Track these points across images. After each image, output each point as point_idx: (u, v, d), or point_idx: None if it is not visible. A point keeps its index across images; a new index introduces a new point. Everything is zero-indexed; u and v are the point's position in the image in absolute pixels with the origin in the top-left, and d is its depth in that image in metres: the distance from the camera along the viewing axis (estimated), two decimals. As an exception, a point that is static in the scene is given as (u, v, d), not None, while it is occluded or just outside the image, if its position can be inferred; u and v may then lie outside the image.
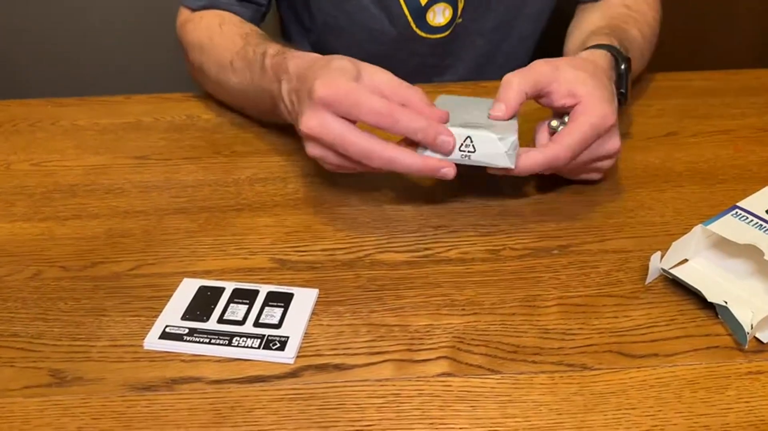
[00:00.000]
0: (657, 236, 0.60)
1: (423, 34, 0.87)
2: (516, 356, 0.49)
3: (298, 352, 0.49)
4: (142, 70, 1.42)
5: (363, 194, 0.65)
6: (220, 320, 0.51)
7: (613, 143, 0.61)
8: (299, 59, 0.62)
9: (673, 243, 0.53)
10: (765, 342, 0.49)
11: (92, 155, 0.72)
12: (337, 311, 0.52)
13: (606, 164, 0.63)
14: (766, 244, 0.50)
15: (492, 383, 0.47)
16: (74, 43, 1.45)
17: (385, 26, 0.86)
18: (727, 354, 0.49)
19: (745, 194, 0.58)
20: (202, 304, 0.52)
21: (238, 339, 0.49)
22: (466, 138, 0.56)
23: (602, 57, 0.66)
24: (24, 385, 0.47)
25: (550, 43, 0.90)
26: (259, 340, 0.49)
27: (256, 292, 0.53)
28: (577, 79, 0.60)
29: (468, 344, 0.49)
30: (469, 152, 0.56)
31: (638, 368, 0.48)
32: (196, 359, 0.49)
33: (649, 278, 0.54)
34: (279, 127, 0.76)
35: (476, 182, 0.60)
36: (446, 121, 0.57)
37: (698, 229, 0.54)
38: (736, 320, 0.49)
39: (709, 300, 0.51)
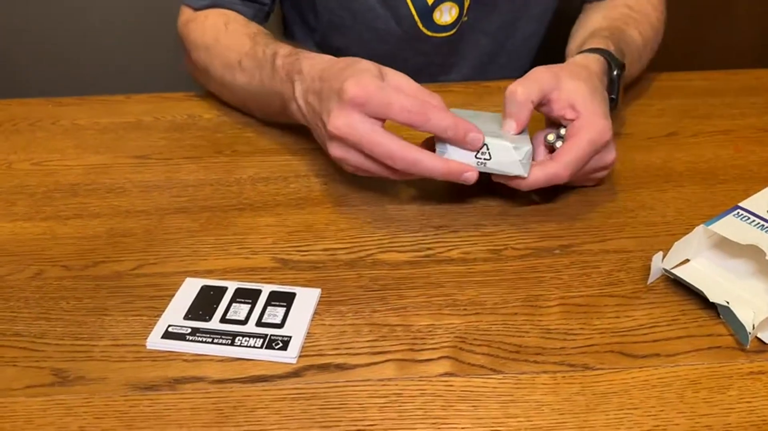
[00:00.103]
0: (658, 236, 0.60)
1: (429, 33, 0.87)
2: (518, 356, 0.49)
3: (301, 352, 0.49)
4: (143, 70, 1.42)
5: (365, 193, 0.65)
6: (223, 320, 0.51)
7: (610, 156, 0.62)
8: (314, 60, 0.63)
9: (675, 243, 0.53)
10: (767, 342, 0.49)
11: (93, 154, 0.72)
12: (339, 311, 0.52)
13: (601, 174, 0.64)
14: (767, 244, 0.51)
15: (494, 383, 0.47)
16: (74, 42, 1.45)
17: (391, 25, 0.86)
18: (728, 354, 0.49)
19: (746, 194, 0.59)
20: (205, 304, 0.52)
21: (240, 338, 0.49)
22: (483, 146, 0.57)
23: (595, 62, 0.67)
24: (27, 385, 0.47)
25: (553, 42, 0.90)
26: (261, 340, 0.49)
27: (258, 292, 0.53)
28: (576, 90, 0.60)
29: (470, 344, 0.49)
30: (485, 159, 0.57)
31: (640, 368, 0.48)
32: (198, 358, 0.49)
33: (651, 279, 0.55)
34: (281, 126, 0.76)
35: (478, 182, 0.60)
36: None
37: (700, 229, 0.54)
38: (738, 320, 0.49)
39: (710, 300, 0.51)
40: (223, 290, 0.54)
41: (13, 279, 0.56)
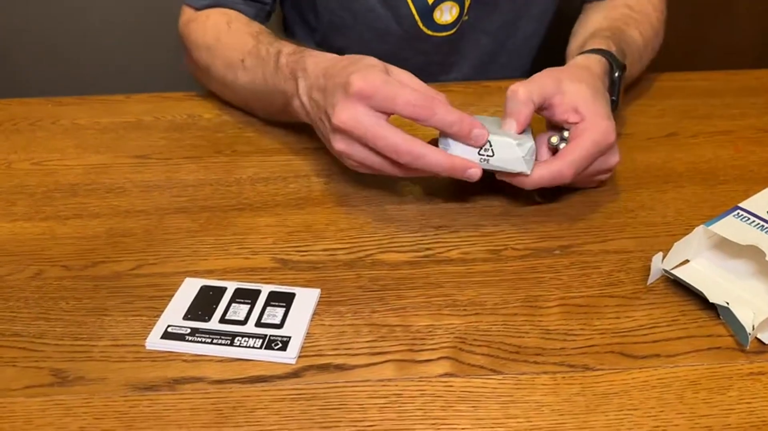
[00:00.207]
0: (658, 237, 0.60)
1: (429, 33, 0.87)
2: (518, 356, 0.49)
3: (300, 352, 0.49)
4: (143, 70, 1.42)
5: (365, 194, 0.65)
6: (222, 320, 0.51)
7: (614, 158, 0.62)
8: (318, 58, 0.63)
9: (675, 244, 0.53)
10: (766, 342, 0.49)
11: (93, 154, 0.72)
12: (338, 312, 0.52)
13: (604, 176, 0.64)
14: (767, 245, 0.50)
15: (494, 383, 0.47)
16: (74, 42, 1.45)
17: (392, 25, 0.86)
18: (728, 355, 0.49)
19: (746, 194, 0.59)
20: (204, 304, 0.52)
21: (240, 339, 0.49)
22: (486, 142, 0.57)
23: (597, 63, 0.66)
24: (26, 385, 0.47)
25: (553, 42, 0.90)
26: (261, 340, 0.49)
27: (257, 292, 0.53)
28: (579, 93, 0.60)
29: (470, 344, 0.49)
30: (488, 155, 0.57)
31: (640, 368, 0.48)
32: (198, 359, 0.49)
33: (651, 279, 0.55)
34: (281, 126, 0.76)
35: (478, 181, 0.60)
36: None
37: (700, 229, 0.54)
38: (738, 321, 0.49)
39: (710, 301, 0.51)
40: (223, 290, 0.54)
41: (13, 279, 0.56)
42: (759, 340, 0.50)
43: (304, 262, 0.57)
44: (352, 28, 0.88)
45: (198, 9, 0.81)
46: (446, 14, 0.86)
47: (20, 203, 0.65)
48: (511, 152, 0.57)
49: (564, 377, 0.47)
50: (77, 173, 0.69)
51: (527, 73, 0.95)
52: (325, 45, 0.92)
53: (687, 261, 0.55)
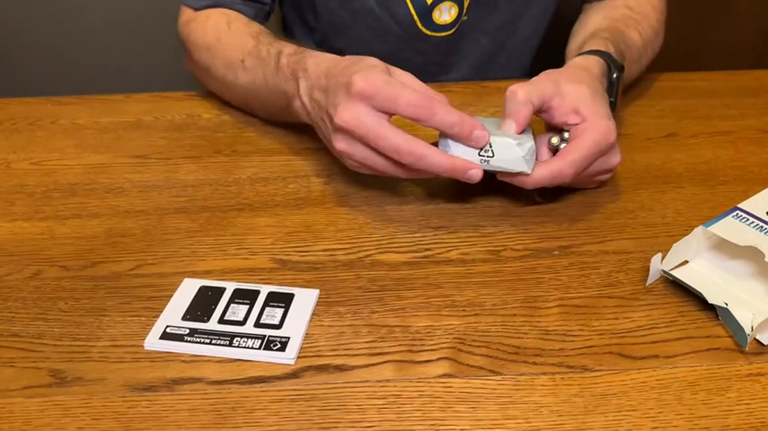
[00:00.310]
0: (658, 238, 0.60)
1: (428, 33, 0.87)
2: (517, 357, 0.49)
3: (299, 353, 0.49)
4: (142, 70, 1.42)
5: (364, 194, 0.65)
6: (221, 321, 0.51)
7: (615, 158, 0.62)
8: (319, 58, 0.63)
9: (674, 245, 0.53)
10: (765, 343, 0.49)
11: (92, 153, 0.72)
12: (337, 312, 0.52)
13: (605, 176, 0.64)
14: (766, 246, 0.50)
15: (493, 384, 0.47)
16: (74, 42, 1.45)
17: (391, 25, 0.86)
18: (727, 356, 0.49)
19: (746, 195, 0.59)
20: (203, 304, 0.52)
21: (238, 339, 0.49)
22: (486, 143, 0.57)
23: (595, 64, 0.66)
24: (24, 385, 0.47)
25: (553, 42, 0.90)
26: (259, 341, 0.49)
27: (256, 292, 0.53)
28: (578, 94, 0.60)
29: (469, 345, 0.49)
30: (488, 156, 0.57)
31: (639, 369, 0.48)
32: (196, 359, 0.48)
33: (650, 280, 0.54)
34: (280, 126, 0.76)
35: (477, 182, 0.60)
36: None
37: (699, 230, 0.54)
38: (737, 321, 0.49)
39: (709, 302, 0.51)
40: (222, 290, 0.54)
41: (11, 279, 0.56)
42: (758, 341, 0.50)
43: (303, 262, 0.57)
44: (351, 28, 0.88)
45: (197, 9, 0.81)
46: (445, 14, 0.86)
47: (19, 202, 0.65)
48: (511, 152, 0.57)
49: (563, 378, 0.47)
50: (76, 173, 0.69)
51: (527, 73, 0.96)
52: (324, 45, 0.92)
53: (686, 262, 0.55)
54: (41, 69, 1.46)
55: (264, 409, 0.45)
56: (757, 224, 0.53)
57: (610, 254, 0.58)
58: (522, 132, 0.59)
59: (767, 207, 0.56)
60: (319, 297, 0.53)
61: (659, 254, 0.54)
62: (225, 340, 0.49)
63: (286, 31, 1.00)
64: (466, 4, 0.85)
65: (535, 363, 0.48)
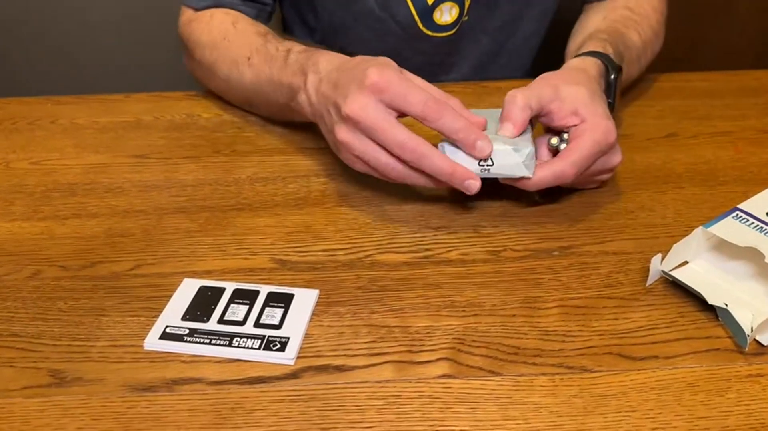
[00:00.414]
0: (657, 238, 0.60)
1: (429, 33, 0.87)
2: (516, 358, 0.49)
3: (299, 353, 0.49)
4: (142, 69, 1.42)
5: (364, 194, 0.65)
6: (221, 321, 0.51)
7: (616, 158, 0.62)
8: (330, 56, 0.64)
9: (674, 245, 0.53)
10: (765, 344, 0.49)
11: (92, 153, 0.72)
12: (337, 312, 0.52)
13: (606, 176, 0.64)
14: (766, 246, 0.50)
15: (492, 385, 0.47)
16: (74, 41, 1.45)
17: (391, 26, 0.86)
18: (727, 357, 0.49)
19: (746, 195, 0.59)
20: (203, 304, 0.52)
21: (238, 339, 0.49)
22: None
23: (593, 65, 0.67)
24: (24, 385, 0.47)
25: (553, 42, 0.90)
26: (259, 341, 0.49)
27: (256, 292, 0.53)
28: (577, 96, 0.60)
29: (468, 345, 0.49)
30: (488, 165, 0.57)
31: (638, 370, 0.48)
32: (196, 359, 0.48)
33: (650, 281, 0.54)
34: (280, 127, 0.76)
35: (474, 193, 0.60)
36: (484, 128, 0.58)
37: (699, 231, 0.54)
38: (737, 322, 0.49)
39: (709, 303, 0.51)
40: (221, 290, 0.54)
41: (11, 279, 0.56)
42: (758, 342, 0.50)
43: (303, 262, 0.57)
44: (351, 28, 0.88)
45: (198, 9, 0.81)
46: (446, 15, 0.86)
47: (18, 202, 0.65)
48: (510, 158, 0.57)
49: (562, 378, 0.47)
50: (76, 173, 0.69)
51: (527, 73, 0.96)
52: (324, 45, 0.92)
53: (686, 263, 0.55)
54: (41, 69, 1.46)
55: (263, 409, 0.45)
56: (757, 225, 0.53)
57: (610, 255, 0.58)
58: (520, 134, 0.59)
59: (767, 208, 0.56)
60: (318, 297, 0.53)
61: (659, 255, 0.54)
62: (225, 340, 0.49)
63: (286, 31, 1.00)
64: (467, 4, 0.85)
65: (534, 364, 0.48)
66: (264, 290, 0.54)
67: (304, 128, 0.74)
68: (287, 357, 0.48)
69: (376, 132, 0.56)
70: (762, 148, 0.73)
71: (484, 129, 0.58)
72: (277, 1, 0.88)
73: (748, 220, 0.54)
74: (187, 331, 0.50)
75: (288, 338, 0.49)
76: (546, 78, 0.62)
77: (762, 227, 0.53)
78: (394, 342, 0.50)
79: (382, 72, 0.56)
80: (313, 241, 0.59)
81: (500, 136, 0.58)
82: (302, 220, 0.62)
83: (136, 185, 0.67)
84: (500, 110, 0.60)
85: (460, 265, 0.57)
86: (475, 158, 0.57)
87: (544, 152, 0.61)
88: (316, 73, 0.63)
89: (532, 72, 0.63)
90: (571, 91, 0.60)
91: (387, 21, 0.86)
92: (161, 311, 0.52)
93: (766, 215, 0.55)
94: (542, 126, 0.63)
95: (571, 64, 0.68)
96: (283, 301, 0.53)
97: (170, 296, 0.53)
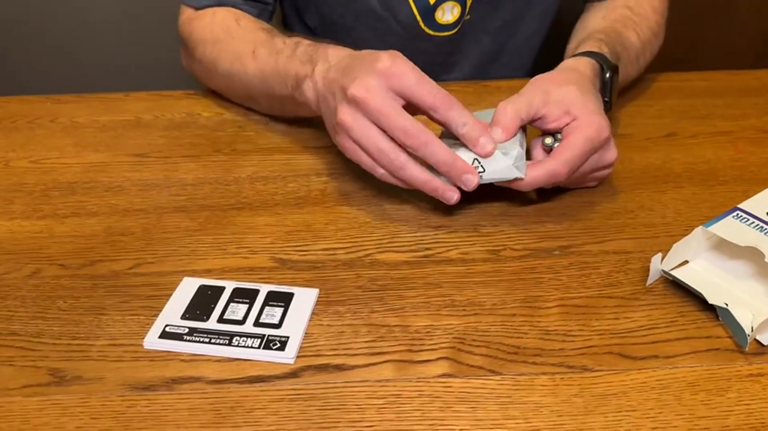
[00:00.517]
0: (658, 238, 0.59)
1: (431, 32, 0.87)
2: (516, 357, 0.48)
3: (299, 352, 0.49)
4: (142, 68, 1.42)
5: (364, 193, 0.65)
6: (220, 320, 0.51)
7: (611, 154, 0.62)
8: (340, 48, 0.64)
9: (674, 245, 0.53)
10: (765, 344, 0.49)
11: (91, 152, 0.72)
12: (337, 311, 0.52)
13: (604, 173, 0.64)
14: (766, 246, 0.50)
15: (493, 384, 0.47)
16: (74, 40, 1.45)
17: (393, 25, 0.86)
18: (727, 357, 0.49)
19: (746, 195, 0.59)
20: (202, 303, 0.52)
21: (238, 338, 0.49)
22: (474, 160, 0.57)
23: (586, 65, 0.67)
24: (23, 384, 0.47)
25: (554, 42, 0.90)
26: (259, 340, 0.49)
27: (256, 291, 0.53)
28: (568, 95, 0.60)
29: (469, 345, 0.49)
30: (479, 172, 0.57)
31: (639, 370, 0.48)
32: (195, 358, 0.48)
33: (650, 280, 0.54)
34: (281, 125, 0.76)
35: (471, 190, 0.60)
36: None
37: (699, 230, 0.54)
38: (737, 322, 0.49)
39: (709, 302, 0.51)
40: (221, 289, 0.53)
41: (10, 278, 0.56)
42: (758, 341, 0.50)
43: (302, 262, 0.57)
44: (352, 27, 0.88)
45: (198, 8, 0.81)
46: (448, 14, 0.85)
47: (18, 201, 0.65)
48: (500, 162, 0.57)
49: (563, 378, 0.47)
50: (76, 172, 0.69)
51: (528, 72, 0.96)
52: (325, 44, 0.92)
53: (686, 262, 0.55)
54: (41, 67, 1.46)
55: (263, 409, 0.45)
56: (758, 225, 0.53)
57: (610, 254, 0.58)
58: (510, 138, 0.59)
59: (767, 208, 0.56)
60: (318, 297, 0.53)
61: (659, 254, 0.54)
62: (224, 339, 0.49)
63: (287, 30, 1.00)
64: (468, 3, 0.85)
65: (534, 363, 0.48)
66: (264, 289, 0.54)
67: (304, 127, 0.74)
68: (287, 356, 0.48)
69: (380, 116, 0.56)
70: (762, 147, 0.73)
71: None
72: (277, 1, 0.88)
73: (748, 219, 0.54)
74: (186, 330, 0.50)
75: (288, 337, 0.49)
76: (537, 82, 0.62)
77: (762, 227, 0.53)
78: (394, 341, 0.50)
79: (395, 60, 0.57)
80: (313, 240, 0.59)
81: None
82: (302, 219, 0.62)
83: (136, 183, 0.67)
84: (492, 110, 0.61)
85: (460, 264, 0.57)
86: (476, 154, 0.57)
87: (540, 153, 0.61)
88: (325, 62, 0.63)
89: (533, 72, 0.63)
90: (561, 92, 0.60)
91: (388, 20, 0.86)
92: (161, 310, 0.52)
93: (766, 215, 0.55)
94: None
95: (565, 64, 0.68)
96: (283, 300, 0.52)
97: (170, 295, 0.53)
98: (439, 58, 0.91)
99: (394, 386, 0.46)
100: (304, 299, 0.53)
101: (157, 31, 1.38)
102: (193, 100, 0.82)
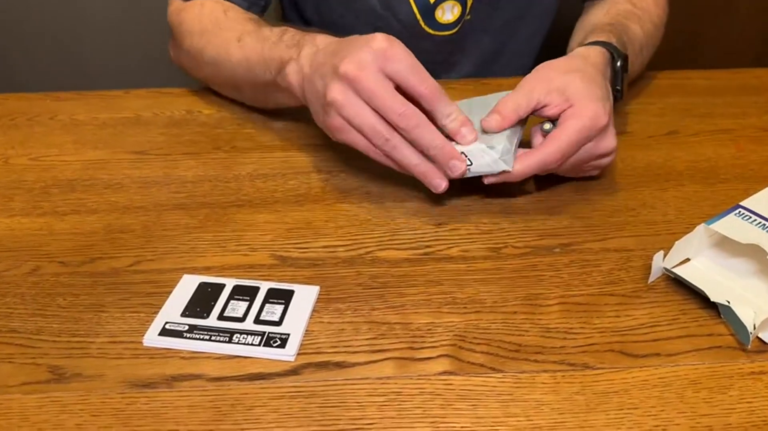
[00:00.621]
0: (659, 235, 0.59)
1: (431, 31, 0.87)
2: (518, 355, 0.48)
3: (299, 349, 0.49)
4: (142, 65, 1.42)
5: (365, 190, 0.65)
6: (221, 317, 0.51)
7: (608, 142, 0.61)
8: (328, 36, 0.63)
9: (676, 242, 0.53)
10: (767, 342, 0.49)
11: (91, 149, 0.72)
12: (338, 309, 0.52)
13: (604, 161, 0.63)
14: (769, 244, 0.50)
15: (494, 382, 0.46)
16: (73, 37, 1.45)
17: (393, 24, 0.86)
18: (729, 354, 0.48)
19: (747, 193, 0.58)
20: (203, 300, 0.52)
21: (238, 336, 0.49)
22: (461, 153, 0.58)
23: (597, 54, 0.66)
24: (23, 381, 0.46)
25: (555, 41, 0.90)
26: (259, 337, 0.49)
27: (256, 289, 0.53)
28: (569, 84, 0.60)
29: (469, 342, 0.49)
30: (467, 165, 0.58)
31: (640, 367, 0.47)
32: (196, 356, 0.48)
33: (652, 278, 0.54)
34: (280, 122, 0.75)
35: (477, 179, 0.60)
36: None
37: (701, 228, 0.53)
38: (739, 320, 0.49)
39: (711, 300, 0.51)
40: (221, 287, 0.53)
41: (10, 275, 0.55)
42: (760, 339, 0.49)
43: (303, 259, 0.57)
44: (352, 26, 0.88)
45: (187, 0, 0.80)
46: (448, 13, 0.85)
47: (18, 198, 0.64)
48: (486, 156, 0.58)
49: (564, 375, 0.47)
50: (75, 169, 0.69)
51: (529, 72, 0.95)
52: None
53: (688, 260, 0.55)
54: (40, 65, 1.46)
55: (264, 406, 0.45)
56: (759, 222, 0.53)
57: (611, 252, 0.58)
58: (504, 131, 0.59)
59: (769, 205, 0.55)
60: (319, 294, 0.53)
61: (661, 252, 0.54)
62: (224, 337, 0.49)
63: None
64: (469, 3, 0.85)
65: (536, 361, 0.48)
66: (264, 286, 0.53)
67: (305, 124, 0.74)
68: (287, 354, 0.48)
69: (374, 96, 0.55)
70: (763, 146, 0.73)
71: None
72: None
73: (750, 217, 0.54)
74: (186, 327, 0.50)
75: (288, 334, 0.49)
76: (542, 70, 0.62)
77: (764, 225, 0.53)
78: (395, 338, 0.49)
79: (391, 42, 0.56)
80: (313, 237, 0.59)
81: (479, 133, 0.59)
82: (302, 216, 0.62)
83: (136, 181, 0.67)
84: (490, 96, 0.61)
85: (461, 262, 0.57)
86: (459, 145, 0.58)
87: (539, 138, 0.61)
88: (312, 46, 0.62)
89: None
90: (564, 79, 0.60)
91: (388, 19, 0.86)
92: (161, 308, 0.52)
93: None
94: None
95: (575, 52, 0.67)
96: (284, 297, 0.52)
97: (170, 292, 0.53)
98: (439, 58, 0.91)
99: (395, 383, 0.46)
100: (305, 296, 0.53)
101: (156, 29, 1.38)
102: (193, 98, 0.81)
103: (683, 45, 1.41)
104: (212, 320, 0.50)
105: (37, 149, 0.72)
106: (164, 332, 0.49)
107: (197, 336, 0.49)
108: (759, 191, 0.58)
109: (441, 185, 0.58)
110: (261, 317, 0.50)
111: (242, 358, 0.48)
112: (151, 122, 0.77)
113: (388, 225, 0.61)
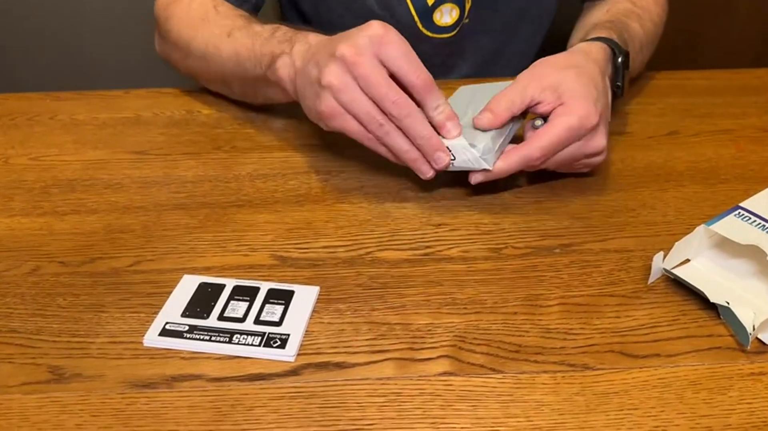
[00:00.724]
0: (659, 236, 0.59)
1: (429, 34, 0.87)
2: (518, 355, 0.48)
3: (299, 350, 0.49)
4: (142, 65, 1.41)
5: (365, 191, 0.65)
6: (221, 318, 0.51)
7: (598, 141, 0.61)
8: (320, 35, 0.64)
9: (676, 243, 0.53)
10: (767, 343, 0.49)
11: (91, 149, 0.72)
12: (338, 309, 0.52)
13: (594, 160, 0.63)
14: (769, 245, 0.50)
15: (494, 382, 0.46)
16: (74, 37, 1.45)
17: (391, 25, 0.86)
18: (729, 355, 0.49)
19: (747, 194, 0.58)
20: (203, 301, 0.52)
21: (238, 336, 0.49)
22: (446, 148, 0.59)
23: (599, 50, 0.66)
24: (22, 382, 0.46)
25: (553, 44, 0.90)
26: (259, 338, 0.49)
27: (256, 289, 0.53)
28: (562, 81, 0.60)
29: (470, 343, 0.49)
30: (450, 160, 0.59)
31: (640, 368, 0.47)
32: (196, 356, 0.48)
33: (652, 278, 0.54)
34: (280, 122, 0.75)
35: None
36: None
37: (701, 229, 0.53)
38: (739, 321, 0.49)
39: (711, 301, 0.51)
40: (221, 287, 0.53)
41: (10, 275, 0.55)
42: (759, 340, 0.49)
43: (303, 259, 0.57)
44: (351, 27, 0.88)
45: None
46: (446, 16, 0.85)
47: (18, 198, 0.64)
48: (468, 153, 0.58)
49: (564, 376, 0.47)
50: (75, 169, 0.69)
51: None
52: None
53: (688, 261, 0.55)
54: (40, 64, 1.46)
55: (264, 406, 0.45)
56: (759, 223, 0.53)
57: (611, 253, 0.58)
58: (494, 130, 0.60)
59: (769, 206, 0.55)
60: (319, 294, 0.53)
61: (661, 253, 0.54)
62: (225, 337, 0.49)
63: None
64: (467, 6, 0.85)
65: (536, 362, 0.48)
66: (264, 286, 0.53)
67: (305, 125, 0.74)
68: (287, 354, 0.48)
69: (369, 83, 0.55)
70: (763, 146, 0.73)
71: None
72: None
73: (750, 218, 0.54)
74: (186, 328, 0.50)
75: (288, 335, 0.49)
76: (539, 66, 0.62)
77: (764, 225, 0.53)
78: (395, 339, 0.49)
79: (388, 29, 0.56)
80: (313, 238, 0.59)
81: (467, 126, 0.60)
82: (303, 217, 0.62)
83: (136, 181, 0.67)
84: (498, 84, 0.61)
85: (461, 262, 0.57)
86: (444, 139, 0.58)
87: (530, 134, 0.61)
88: (305, 43, 0.62)
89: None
90: (558, 76, 0.60)
91: (386, 20, 0.86)
92: (161, 308, 0.52)
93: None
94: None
95: (577, 47, 0.67)
96: (284, 298, 0.52)
97: (170, 292, 0.53)
98: (437, 60, 0.91)
99: (395, 384, 0.46)
100: (305, 296, 0.53)
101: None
102: (193, 98, 0.81)
103: (683, 45, 1.42)
104: (212, 321, 0.50)
105: (37, 149, 0.72)
106: (164, 332, 0.49)
107: (197, 337, 0.49)
108: (759, 191, 0.58)
109: (429, 172, 0.59)
110: (261, 318, 0.50)
111: (242, 358, 0.48)
112: (151, 122, 0.77)
113: (388, 226, 0.61)
